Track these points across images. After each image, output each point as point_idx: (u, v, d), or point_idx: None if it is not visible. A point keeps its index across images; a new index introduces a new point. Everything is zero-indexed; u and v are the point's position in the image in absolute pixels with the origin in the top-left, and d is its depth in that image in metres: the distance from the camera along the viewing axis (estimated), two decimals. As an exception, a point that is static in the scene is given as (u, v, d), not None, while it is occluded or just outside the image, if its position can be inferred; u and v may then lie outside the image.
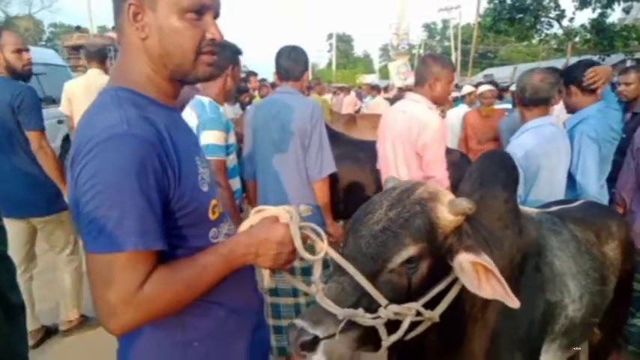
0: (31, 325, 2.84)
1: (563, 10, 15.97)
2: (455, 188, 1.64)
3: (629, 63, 16.40)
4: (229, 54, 2.39)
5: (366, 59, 69.99)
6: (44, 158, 2.87)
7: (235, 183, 2.53)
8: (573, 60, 13.21)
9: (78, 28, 14.87)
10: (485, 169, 1.47)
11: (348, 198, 3.44)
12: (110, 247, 0.86)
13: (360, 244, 1.11)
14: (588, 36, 15.74)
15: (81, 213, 0.89)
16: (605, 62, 16.55)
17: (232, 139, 2.47)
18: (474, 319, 1.30)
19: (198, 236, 1.05)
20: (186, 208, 1.00)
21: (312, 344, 1.03)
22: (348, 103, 11.27)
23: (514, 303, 1.05)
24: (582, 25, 16.06)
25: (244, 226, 1.11)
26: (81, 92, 4.00)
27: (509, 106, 5.57)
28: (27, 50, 2.95)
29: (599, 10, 15.15)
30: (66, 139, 6.02)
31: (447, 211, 1.12)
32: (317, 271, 1.11)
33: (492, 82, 7.91)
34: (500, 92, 7.06)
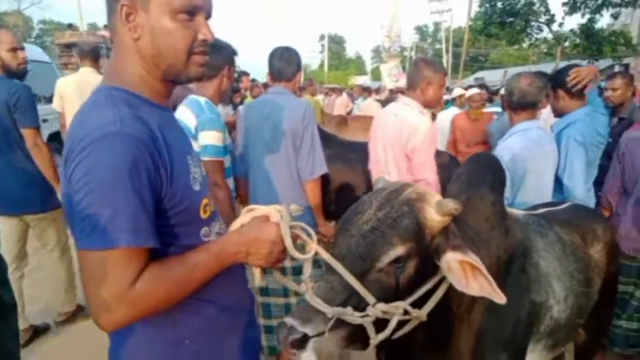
0: (20, 325, 2.83)
1: (553, 15, 16.17)
2: (445, 190, 1.67)
3: (617, 68, 16.68)
4: (225, 54, 2.40)
5: (358, 61, 70.22)
6: (39, 155, 2.88)
7: (229, 183, 2.54)
8: (563, 64, 13.36)
9: (70, 26, 14.76)
10: (472, 172, 1.49)
11: (339, 198, 3.46)
12: (103, 244, 0.87)
13: (350, 244, 1.13)
14: (577, 41, 15.95)
15: (74, 210, 0.90)
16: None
17: (229, 140, 2.48)
18: (461, 319, 1.33)
19: (189, 234, 1.06)
20: (178, 206, 1.01)
21: (301, 342, 1.04)
22: (339, 105, 11.30)
23: (501, 299, 1.08)
24: (572, 30, 16.28)
25: (235, 224, 1.12)
26: (73, 90, 4.01)
27: (499, 109, 5.63)
28: (22, 49, 2.96)
29: (588, 16, 15.38)
30: (51, 138, 5.89)
31: (435, 212, 1.14)
32: (307, 270, 1.13)
33: (483, 86, 7.99)
34: (491, 95, 7.13)
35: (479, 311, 1.35)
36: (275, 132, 2.51)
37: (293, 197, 2.49)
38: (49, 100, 4.53)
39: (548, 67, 16.80)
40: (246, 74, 7.18)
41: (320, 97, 10.69)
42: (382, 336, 1.11)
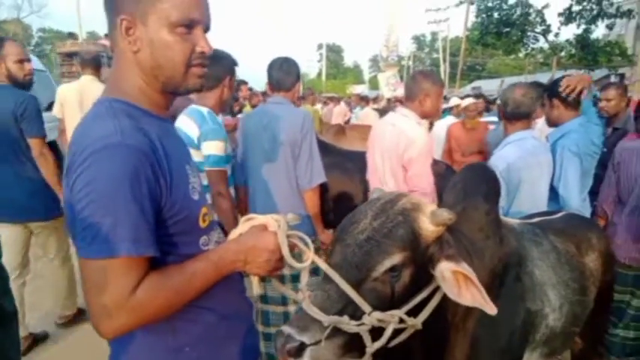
0: (20, 332, 2.85)
1: (549, 25, 16.31)
2: (441, 199, 1.69)
3: (612, 78, 16.82)
4: (226, 65, 2.43)
5: (355, 70, 70.55)
6: (45, 164, 2.95)
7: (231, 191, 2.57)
8: (559, 74, 13.48)
9: (71, 35, 14.92)
10: (467, 182, 1.52)
11: (338, 207, 3.47)
12: (104, 253, 0.89)
13: (346, 253, 1.15)
14: (573, 51, 16.08)
15: (75, 220, 0.91)
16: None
17: (230, 149, 2.51)
18: (456, 328, 1.34)
19: (188, 243, 1.07)
20: (178, 215, 1.03)
21: (298, 350, 1.05)
22: (337, 114, 11.34)
23: (492, 309, 1.09)
24: (567, 40, 16.42)
25: (234, 234, 1.14)
26: (74, 97, 4.08)
27: (495, 118, 5.66)
28: (29, 61, 3.05)
29: (583, 26, 15.51)
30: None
31: (429, 222, 1.16)
32: (304, 279, 1.14)
33: (480, 95, 8.04)
34: (488, 105, 7.17)
35: (474, 320, 1.37)
36: (274, 141, 2.53)
37: (292, 206, 2.50)
38: (46, 108, 4.56)
39: (545, 77, 16.92)
40: (245, 83, 7.21)
41: (318, 106, 10.75)
42: (378, 344, 1.12)
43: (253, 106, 6.86)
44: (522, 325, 1.52)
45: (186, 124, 2.35)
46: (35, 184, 2.96)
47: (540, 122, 3.33)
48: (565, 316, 1.70)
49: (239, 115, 5.37)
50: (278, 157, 2.54)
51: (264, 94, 8.10)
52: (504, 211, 2.35)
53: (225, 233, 1.22)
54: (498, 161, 2.39)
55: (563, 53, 16.73)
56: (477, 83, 26.84)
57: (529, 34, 16.76)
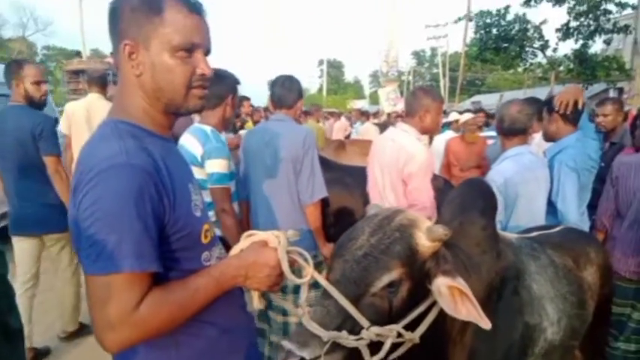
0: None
1: (547, 41, 16.47)
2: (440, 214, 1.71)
3: (611, 92, 16.91)
4: (228, 84, 2.49)
5: (356, 85, 71.05)
6: (59, 181, 3.09)
7: (235, 207, 2.60)
8: (557, 88, 13.59)
9: (77, 54, 15.24)
10: (464, 197, 1.55)
11: (338, 221, 3.49)
12: (108, 269, 0.92)
13: (344, 269, 1.17)
14: (571, 65, 16.20)
15: (81, 237, 0.94)
16: (588, 91, 17.03)
17: (233, 166, 2.55)
18: (454, 342, 1.36)
19: (191, 259, 1.10)
20: (180, 232, 1.06)
21: None
22: (338, 129, 11.42)
23: (486, 324, 1.11)
24: (566, 55, 16.57)
25: (235, 249, 1.17)
26: (81, 114, 4.20)
27: (494, 133, 5.69)
28: (45, 82, 3.23)
29: (581, 41, 15.67)
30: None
31: (425, 237, 1.19)
32: (303, 295, 1.17)
33: (480, 109, 8.08)
34: (488, 119, 7.20)
35: (472, 333, 1.38)
36: (276, 158, 2.57)
37: (294, 221, 2.53)
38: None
39: (544, 91, 17.01)
40: (247, 99, 7.28)
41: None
42: (377, 358, 1.14)
43: (255, 122, 6.92)
44: (521, 338, 1.53)
45: (189, 143, 2.40)
46: (50, 198, 3.10)
47: (538, 137, 3.37)
48: (563, 329, 1.70)
49: (241, 132, 5.42)
50: (280, 173, 2.58)
51: (266, 109, 8.18)
52: (502, 226, 2.37)
53: (228, 249, 1.25)
54: (496, 176, 2.42)
55: (561, 68, 16.86)
56: (476, 98, 27.03)
57: (527, 49, 16.92)
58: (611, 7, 14.86)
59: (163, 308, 0.97)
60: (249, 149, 2.72)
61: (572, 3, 15.17)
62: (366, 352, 1.13)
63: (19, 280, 3.16)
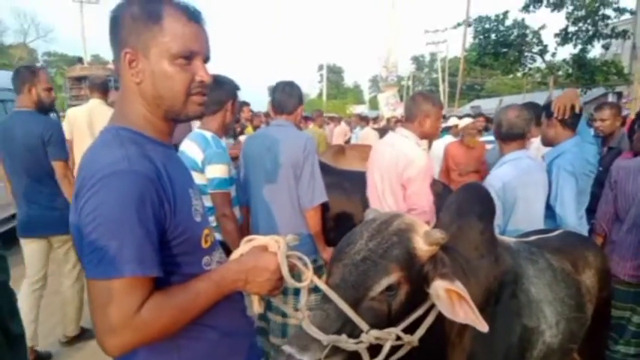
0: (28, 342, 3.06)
1: (546, 46, 16.51)
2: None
3: (610, 97, 16.93)
4: (228, 90, 2.52)
5: (356, 90, 71.24)
6: (67, 185, 3.17)
7: (236, 212, 2.62)
8: (556, 93, 13.62)
9: (80, 61, 15.44)
10: (462, 202, 1.56)
11: (338, 226, 3.51)
12: (110, 273, 0.93)
13: (343, 273, 1.19)
14: (570, 70, 16.24)
15: (83, 242, 0.96)
16: (587, 95, 17.07)
17: (234, 171, 2.57)
18: (453, 344, 1.37)
19: (191, 263, 1.12)
20: (181, 237, 1.07)
21: None
22: (338, 134, 11.45)
23: (483, 327, 1.13)
24: (564, 60, 16.61)
25: (235, 254, 1.19)
26: (83, 119, 4.29)
27: (493, 138, 5.70)
28: (52, 89, 3.35)
29: (580, 46, 15.72)
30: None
31: (423, 241, 1.21)
32: (303, 299, 1.18)
33: (479, 114, 8.11)
34: (487, 123, 7.22)
35: (470, 336, 1.39)
36: (276, 163, 2.59)
37: (294, 225, 2.55)
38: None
39: (543, 96, 17.09)
40: (247, 105, 7.30)
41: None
42: None
43: (255, 128, 6.95)
44: (519, 341, 1.54)
45: (190, 149, 2.42)
46: (57, 201, 3.18)
47: (536, 142, 3.39)
48: (562, 332, 1.71)
49: (241, 137, 5.44)
50: (280, 178, 2.60)
51: (266, 115, 8.21)
52: (501, 230, 2.39)
53: (229, 253, 1.26)
54: (494, 180, 2.44)
55: (560, 73, 16.90)
56: (475, 102, 27.10)
57: (526, 54, 16.95)
58: (609, 12, 14.93)
59: (164, 312, 0.98)
60: (250, 154, 2.74)
61: (571, 8, 15.24)
62: (365, 356, 1.14)
63: (28, 281, 3.27)
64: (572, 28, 15.53)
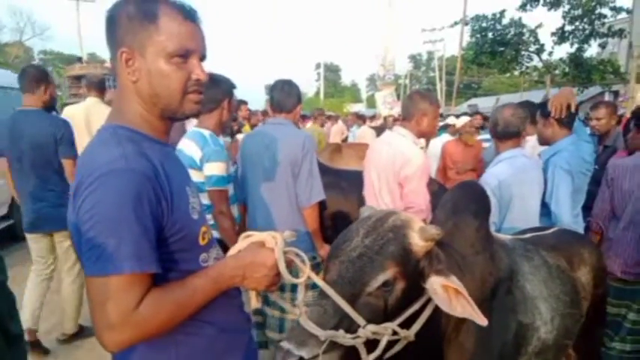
0: (28, 323, 3.22)
1: (543, 45, 16.57)
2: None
3: (607, 95, 17.00)
4: (224, 88, 2.54)
5: (353, 88, 71.17)
6: None
7: (234, 210, 2.63)
8: (553, 91, 13.66)
9: (79, 60, 15.49)
10: (457, 199, 1.58)
11: (334, 226, 3.52)
12: (108, 270, 0.94)
13: (340, 270, 1.20)
14: (567, 69, 16.31)
15: (82, 239, 0.97)
16: (584, 94, 17.13)
17: (232, 169, 2.59)
18: (449, 340, 1.38)
19: (189, 260, 1.12)
20: (178, 234, 1.08)
21: None
22: (335, 132, 11.44)
23: (482, 321, 1.14)
24: (561, 59, 16.67)
25: (233, 250, 1.20)
26: (80, 117, 4.30)
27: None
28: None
29: (576, 45, 15.78)
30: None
31: (418, 237, 1.22)
32: (300, 295, 1.19)
33: (477, 112, 8.12)
34: (484, 121, 7.24)
35: (467, 331, 1.41)
36: (275, 161, 2.61)
37: (292, 223, 2.57)
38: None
39: (540, 94, 17.12)
40: (245, 103, 7.30)
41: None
42: (373, 356, 1.17)
43: (252, 126, 6.94)
44: (514, 337, 1.56)
45: (188, 147, 2.44)
46: (63, 197, 3.22)
47: (532, 140, 3.40)
48: (557, 328, 1.73)
49: (238, 135, 5.45)
50: (279, 176, 2.62)
51: (264, 113, 8.21)
52: (497, 227, 2.40)
53: (226, 251, 1.27)
54: (490, 178, 2.46)
55: (557, 71, 16.96)
56: (473, 101, 27.10)
57: (523, 53, 17.01)
58: (605, 11, 15.00)
59: (163, 308, 0.99)
60: (249, 152, 2.76)
61: (568, 7, 15.29)
62: (362, 350, 1.15)
63: (35, 273, 3.39)
64: (568, 27, 15.59)
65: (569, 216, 2.54)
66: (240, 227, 2.77)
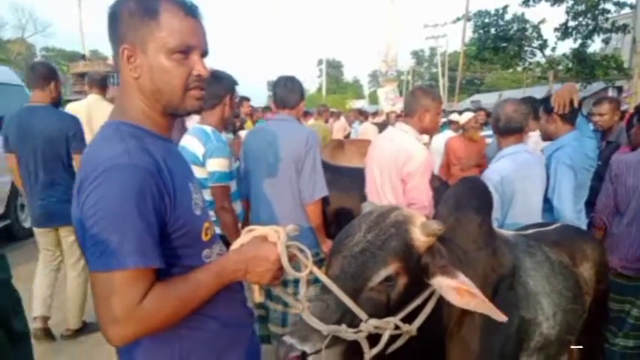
0: (40, 310, 3.38)
1: (546, 40, 16.49)
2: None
3: (610, 91, 16.92)
4: (226, 84, 2.54)
5: (355, 85, 71.06)
6: None
7: (237, 206, 2.64)
8: (556, 87, 13.61)
9: (83, 57, 15.60)
10: (460, 195, 1.58)
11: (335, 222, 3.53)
12: (112, 265, 0.94)
13: (342, 265, 1.20)
14: (570, 65, 16.24)
15: (86, 235, 0.97)
16: (587, 90, 17.05)
17: (234, 165, 2.59)
18: (451, 334, 1.39)
19: (192, 256, 1.13)
20: (181, 230, 1.09)
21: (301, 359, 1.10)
22: (337, 129, 11.42)
23: (499, 317, 1.16)
24: (564, 55, 16.60)
25: (236, 244, 1.20)
26: (81, 114, 4.32)
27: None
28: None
29: (580, 41, 15.71)
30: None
31: (420, 232, 1.22)
32: (302, 290, 1.19)
33: (480, 109, 8.10)
34: (488, 117, 7.23)
35: (469, 326, 1.41)
36: (278, 157, 2.62)
37: (295, 219, 2.57)
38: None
39: (543, 90, 17.03)
40: (248, 100, 7.30)
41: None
42: (375, 350, 1.17)
43: (255, 123, 6.95)
44: (516, 332, 1.56)
45: (191, 143, 2.45)
46: (69, 193, 3.20)
47: (535, 135, 3.40)
48: (559, 324, 1.73)
49: (240, 132, 5.46)
50: (282, 172, 2.63)
51: (264, 109, 8.21)
52: (499, 223, 2.40)
53: (228, 247, 1.27)
54: (492, 174, 2.45)
55: (560, 67, 16.89)
56: (475, 97, 27.05)
57: (526, 48, 16.95)
58: (609, 6, 14.92)
59: (166, 303, 1.00)
60: (252, 148, 2.77)
61: (571, 3, 15.21)
62: (365, 345, 1.16)
63: (43, 264, 3.48)
64: (572, 23, 15.51)
65: (571, 212, 2.54)
66: (243, 223, 2.79)
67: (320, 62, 57.52)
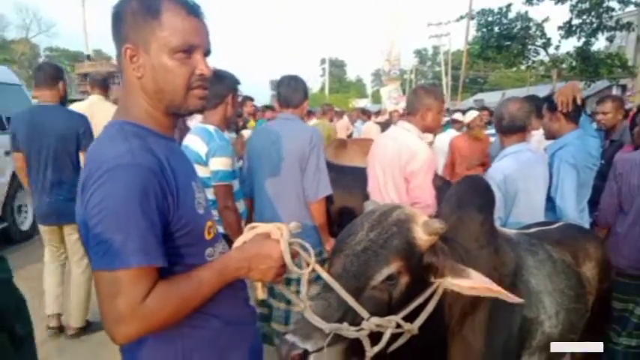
0: (52, 308, 3.49)
1: (549, 39, 16.37)
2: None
3: (614, 89, 16.82)
4: (228, 84, 2.55)
5: (358, 84, 71.04)
6: None
7: (240, 205, 2.65)
8: (560, 86, 13.54)
9: (88, 57, 15.70)
10: (462, 193, 1.58)
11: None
12: (116, 264, 0.95)
13: (345, 263, 1.21)
14: (574, 63, 16.13)
15: (89, 234, 0.98)
16: (591, 88, 16.96)
17: (237, 164, 2.61)
18: (452, 333, 1.39)
19: (194, 254, 1.14)
20: (184, 229, 1.09)
21: (302, 358, 1.11)
22: (340, 128, 11.40)
23: (515, 299, 1.21)
24: (568, 53, 16.50)
25: (238, 242, 1.20)
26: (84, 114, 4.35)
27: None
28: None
29: (583, 39, 15.60)
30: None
31: (422, 231, 1.23)
32: (304, 288, 1.19)
33: (484, 108, 8.09)
34: (491, 117, 7.22)
35: (471, 325, 1.41)
36: (282, 155, 2.64)
37: (299, 217, 2.58)
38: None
39: (546, 89, 16.97)
40: (251, 99, 7.31)
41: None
42: (377, 348, 1.18)
43: (257, 121, 6.97)
44: (518, 331, 1.56)
45: (194, 142, 2.46)
46: (74, 191, 3.26)
47: (538, 134, 3.39)
48: (561, 323, 1.73)
49: (243, 131, 5.47)
50: (286, 171, 2.64)
51: (264, 109, 8.22)
52: (502, 222, 2.40)
53: (231, 245, 1.28)
54: (495, 173, 2.45)
55: (564, 65, 16.79)
56: (479, 96, 26.97)
57: (529, 47, 16.83)
58: (613, 4, 14.77)
59: (169, 301, 1.00)
60: (256, 147, 2.78)
61: (575, 0, 15.10)
62: (366, 343, 1.16)
63: (51, 261, 3.55)
64: (576, 21, 15.39)
65: (574, 210, 2.53)
66: (247, 222, 2.79)
67: (323, 61, 57.55)
